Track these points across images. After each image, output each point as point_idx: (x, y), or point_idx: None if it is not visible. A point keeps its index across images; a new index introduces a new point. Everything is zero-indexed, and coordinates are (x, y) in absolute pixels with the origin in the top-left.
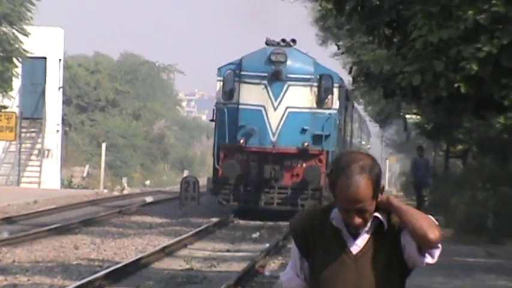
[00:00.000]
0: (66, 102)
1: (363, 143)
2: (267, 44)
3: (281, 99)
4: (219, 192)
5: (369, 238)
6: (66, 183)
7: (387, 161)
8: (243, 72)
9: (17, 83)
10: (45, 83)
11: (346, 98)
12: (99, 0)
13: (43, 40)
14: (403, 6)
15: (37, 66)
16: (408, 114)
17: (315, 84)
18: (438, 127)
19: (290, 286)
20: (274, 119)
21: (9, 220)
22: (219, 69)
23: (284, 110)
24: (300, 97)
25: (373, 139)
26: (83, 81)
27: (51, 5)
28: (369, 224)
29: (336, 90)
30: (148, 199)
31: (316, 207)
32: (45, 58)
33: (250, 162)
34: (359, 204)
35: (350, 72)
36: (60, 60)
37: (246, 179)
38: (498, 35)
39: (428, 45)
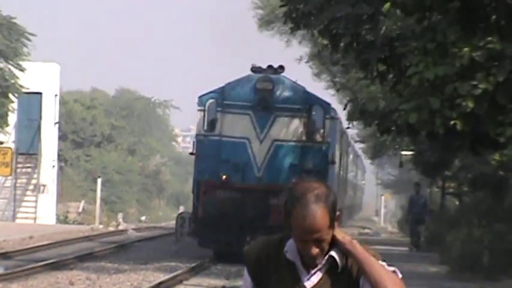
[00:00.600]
0: (61, 137)
1: (358, 178)
2: (252, 70)
3: (267, 131)
4: (199, 234)
5: (323, 275)
6: (62, 219)
7: (382, 197)
8: (226, 102)
9: (12, 118)
10: (40, 118)
11: (339, 130)
12: (95, 37)
13: (39, 75)
14: (399, 43)
15: (33, 101)
16: (404, 150)
17: (305, 115)
18: (434, 164)
19: None
20: (260, 152)
21: (4, 255)
22: (199, 97)
23: (271, 142)
24: (288, 129)
25: (368, 175)
26: (79, 117)
27: (48, 41)
28: (323, 261)
29: (328, 122)
30: (131, 234)
31: (272, 236)
32: (41, 93)
33: (233, 200)
34: (316, 234)
35: (345, 109)
36: (56, 95)
37: (229, 219)
38: (494, 72)
39: (424, 82)
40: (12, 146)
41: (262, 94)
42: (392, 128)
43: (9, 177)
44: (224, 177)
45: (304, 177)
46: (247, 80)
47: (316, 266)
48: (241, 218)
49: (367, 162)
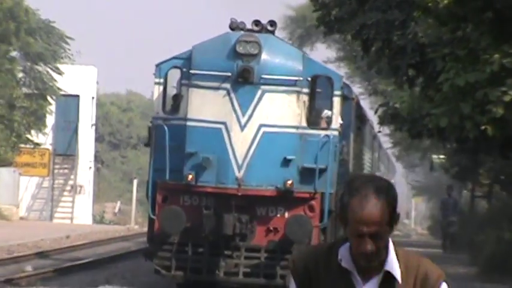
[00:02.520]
0: (98, 139)
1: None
2: (231, 28)
3: (252, 113)
4: (155, 256)
5: (380, 286)
6: (98, 219)
7: (413, 200)
8: (193, 71)
9: (50, 120)
10: (78, 120)
11: (356, 113)
12: (133, 40)
13: (76, 78)
14: (430, 49)
15: (70, 104)
16: (434, 155)
17: (305, 90)
18: (463, 169)
19: None
20: (241, 143)
21: (42, 254)
22: (157, 65)
23: (256, 129)
24: (281, 110)
25: (398, 178)
26: (116, 119)
27: (85, 44)
28: (381, 274)
29: (337, 100)
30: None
31: (319, 244)
32: (78, 96)
33: (204, 210)
34: (374, 228)
35: (376, 113)
36: (93, 98)
37: (197, 236)
38: None
39: (455, 88)
40: (50, 147)
41: (245, 60)
42: (423, 132)
43: (47, 178)
44: (190, 177)
45: (307, 178)
46: (223, 40)
47: (370, 268)
48: (214, 236)
49: (398, 165)
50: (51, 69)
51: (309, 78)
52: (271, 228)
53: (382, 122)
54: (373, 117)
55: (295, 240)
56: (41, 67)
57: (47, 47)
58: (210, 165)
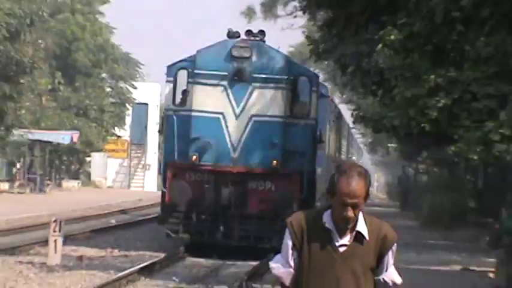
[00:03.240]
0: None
1: (354, 158)
2: (228, 36)
3: (244, 105)
4: (166, 222)
5: (351, 243)
6: (160, 188)
7: (375, 174)
8: (197, 71)
9: (128, 120)
10: (147, 120)
11: (330, 108)
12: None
13: (146, 92)
14: (388, 71)
15: (141, 109)
16: (389, 143)
17: (289, 87)
18: (409, 153)
19: (279, 272)
20: (236, 129)
21: (123, 211)
22: (168, 67)
23: (248, 118)
24: (268, 103)
25: (365, 159)
26: None
27: (152, 67)
28: (353, 233)
29: (314, 96)
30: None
31: (310, 210)
32: (147, 104)
33: (205, 185)
34: (355, 199)
35: (352, 115)
36: (157, 105)
37: (200, 206)
38: (451, 91)
39: (404, 98)
40: (128, 138)
41: (239, 62)
42: (383, 129)
43: (126, 159)
44: (194, 157)
45: (289, 159)
46: (222, 46)
47: (347, 229)
48: (213, 206)
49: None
50: (129, 85)
51: (292, 78)
52: (261, 199)
53: (354, 122)
54: (348, 118)
55: (280, 209)
56: (122, 84)
57: (126, 71)
58: (210, 148)
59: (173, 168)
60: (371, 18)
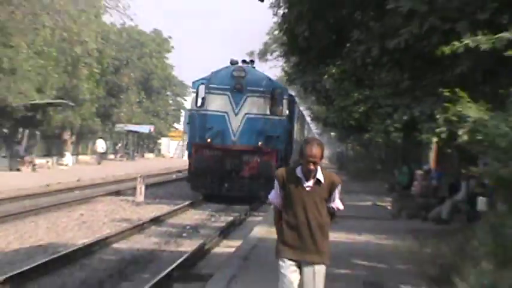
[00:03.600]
0: None
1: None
2: (231, 63)
3: (241, 107)
4: (191, 181)
5: (313, 185)
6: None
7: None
8: (211, 85)
9: (182, 119)
10: None
11: (293, 107)
12: None
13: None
14: (331, 91)
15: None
16: (331, 132)
17: (269, 95)
18: (340, 137)
19: (274, 200)
20: (235, 122)
21: (179, 171)
22: (193, 83)
23: (243, 116)
24: (256, 105)
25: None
26: None
27: None
28: (314, 179)
29: (285, 101)
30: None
31: (288, 167)
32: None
33: (215, 157)
34: (315, 159)
35: (309, 116)
36: None
37: (212, 171)
38: (366, 102)
39: (339, 106)
40: (182, 129)
41: (237, 80)
42: (329, 124)
43: (180, 141)
44: (208, 140)
45: (269, 141)
46: (227, 69)
47: (310, 177)
48: (220, 171)
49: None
50: (182, 98)
51: (271, 89)
52: (251, 167)
53: (312, 120)
54: (308, 117)
55: (263, 173)
56: (178, 98)
57: (181, 90)
58: (219, 134)
59: (195, 146)
60: (321, 60)
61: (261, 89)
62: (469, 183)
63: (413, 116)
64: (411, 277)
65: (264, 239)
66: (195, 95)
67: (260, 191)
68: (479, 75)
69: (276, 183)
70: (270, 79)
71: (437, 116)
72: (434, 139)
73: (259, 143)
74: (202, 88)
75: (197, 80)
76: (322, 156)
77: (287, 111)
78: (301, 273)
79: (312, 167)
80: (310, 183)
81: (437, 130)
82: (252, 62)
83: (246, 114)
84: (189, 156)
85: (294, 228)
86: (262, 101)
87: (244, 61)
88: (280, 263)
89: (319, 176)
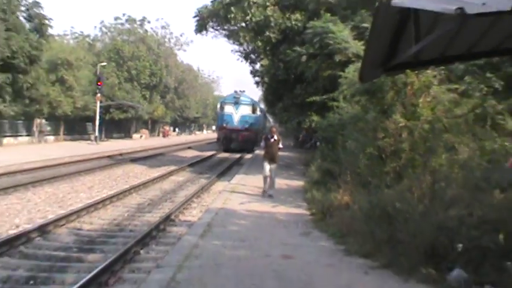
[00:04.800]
0: None
1: (268, 125)
2: (234, 91)
3: (238, 111)
4: (218, 142)
5: (273, 140)
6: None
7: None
8: (225, 101)
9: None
10: None
11: (262, 110)
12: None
13: None
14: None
15: None
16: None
17: (251, 105)
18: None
19: (262, 146)
20: (236, 117)
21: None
22: (219, 102)
23: (241, 115)
24: (246, 110)
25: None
26: None
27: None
28: (273, 138)
29: (259, 108)
30: None
31: (265, 135)
32: None
33: (227, 133)
34: (274, 131)
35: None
36: None
37: (226, 139)
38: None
39: (289, 107)
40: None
41: (236, 98)
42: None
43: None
44: (225, 125)
45: (252, 126)
46: (232, 94)
47: (273, 138)
48: (230, 139)
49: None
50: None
51: (253, 103)
52: (244, 137)
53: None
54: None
55: (248, 140)
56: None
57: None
58: (229, 122)
59: (219, 128)
60: (283, 95)
61: (248, 102)
62: (314, 136)
63: (299, 120)
64: (296, 163)
65: (243, 178)
66: (219, 106)
67: (248, 147)
68: None
69: (263, 140)
70: (252, 99)
71: (307, 120)
72: (305, 126)
73: (247, 126)
74: (222, 103)
75: (221, 100)
76: (276, 131)
77: (259, 113)
78: (270, 166)
79: (273, 133)
80: (272, 139)
81: (307, 123)
82: (243, 91)
83: (241, 115)
84: (217, 132)
85: (269, 153)
86: (248, 108)
87: (241, 91)
88: (264, 162)
89: (275, 137)
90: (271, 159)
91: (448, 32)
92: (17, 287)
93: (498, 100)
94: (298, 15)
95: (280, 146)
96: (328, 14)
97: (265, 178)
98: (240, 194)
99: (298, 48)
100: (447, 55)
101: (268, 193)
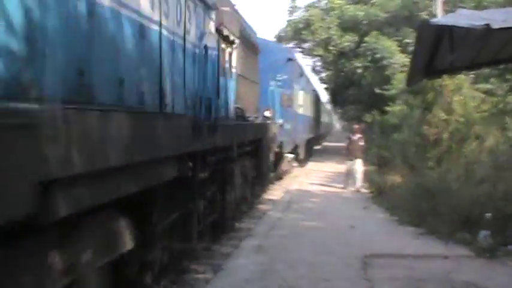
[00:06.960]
0: None
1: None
2: None
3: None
4: None
5: (358, 138)
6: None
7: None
8: None
9: None
10: None
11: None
12: None
13: None
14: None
15: None
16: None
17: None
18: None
19: (346, 143)
20: None
21: None
22: None
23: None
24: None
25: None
26: None
27: None
28: (358, 135)
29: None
30: None
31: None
32: None
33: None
34: (358, 131)
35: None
36: None
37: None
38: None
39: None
40: None
41: None
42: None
43: None
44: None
45: None
46: None
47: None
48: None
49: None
50: None
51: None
52: None
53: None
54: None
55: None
56: None
57: None
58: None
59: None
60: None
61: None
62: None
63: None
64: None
65: (315, 164)
66: None
67: None
68: None
69: (346, 138)
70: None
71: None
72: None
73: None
74: None
75: None
76: (359, 129)
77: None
78: (353, 162)
79: (357, 132)
80: (355, 137)
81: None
82: None
83: None
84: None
85: (352, 150)
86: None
87: None
88: (348, 159)
89: (358, 134)
90: (354, 155)
91: (476, 44)
92: None
93: None
94: (350, 36)
95: (362, 143)
96: (375, 32)
97: (347, 175)
98: (313, 177)
99: (354, 63)
100: (476, 62)
101: (354, 188)
